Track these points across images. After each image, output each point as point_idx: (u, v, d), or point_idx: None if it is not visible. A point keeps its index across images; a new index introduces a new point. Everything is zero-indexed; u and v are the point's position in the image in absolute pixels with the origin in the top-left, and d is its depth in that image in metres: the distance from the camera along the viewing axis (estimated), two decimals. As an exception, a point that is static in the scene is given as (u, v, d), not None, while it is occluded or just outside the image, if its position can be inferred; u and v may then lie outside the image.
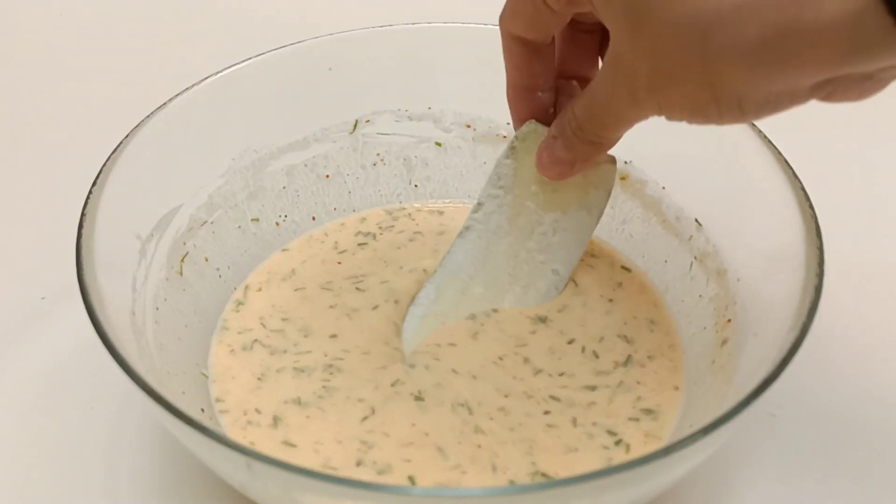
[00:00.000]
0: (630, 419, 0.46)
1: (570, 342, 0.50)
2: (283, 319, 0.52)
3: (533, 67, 0.46)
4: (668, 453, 0.35)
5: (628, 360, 0.49)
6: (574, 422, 0.46)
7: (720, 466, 0.48)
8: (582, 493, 0.35)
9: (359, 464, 0.44)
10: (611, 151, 0.55)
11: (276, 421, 0.46)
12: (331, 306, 0.52)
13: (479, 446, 0.44)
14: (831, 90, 0.35)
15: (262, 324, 0.52)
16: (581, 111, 0.43)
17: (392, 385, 0.47)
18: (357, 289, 0.53)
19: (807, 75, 0.34)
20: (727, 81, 0.35)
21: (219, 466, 0.40)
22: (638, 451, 0.45)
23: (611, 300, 0.52)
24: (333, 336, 0.50)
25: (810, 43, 0.33)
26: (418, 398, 0.46)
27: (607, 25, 0.39)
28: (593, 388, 0.48)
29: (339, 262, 0.55)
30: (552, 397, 0.47)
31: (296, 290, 0.53)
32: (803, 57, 0.33)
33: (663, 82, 0.37)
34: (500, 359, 0.49)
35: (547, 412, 0.46)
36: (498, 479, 0.43)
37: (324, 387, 0.48)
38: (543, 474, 0.43)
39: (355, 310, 0.52)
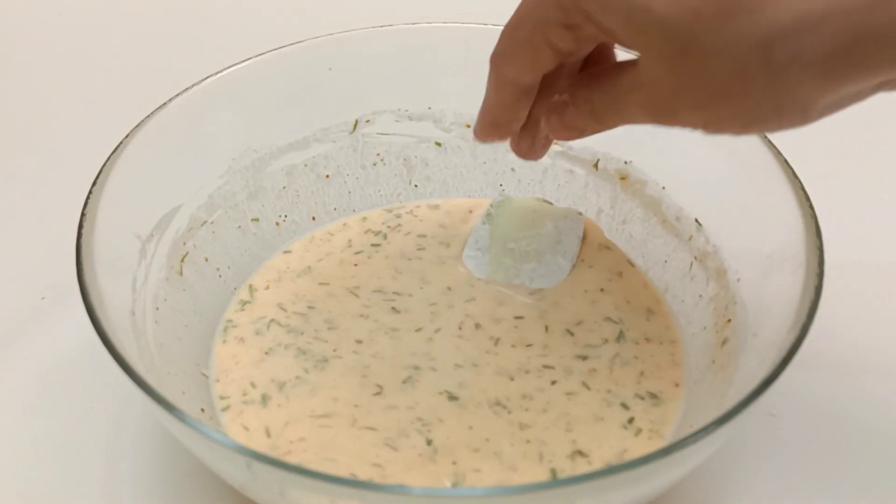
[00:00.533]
0: (637, 395, 0.47)
1: (518, 317, 0.51)
2: (310, 307, 0.52)
3: (520, 105, 0.44)
4: (668, 453, 0.35)
5: (620, 336, 0.50)
6: (586, 385, 0.47)
7: (720, 466, 0.48)
8: (583, 493, 0.35)
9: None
10: (613, 149, 0.55)
11: (264, 399, 0.47)
12: (361, 315, 0.52)
13: (528, 441, 0.45)
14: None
15: (281, 308, 0.52)
16: (601, 106, 0.41)
17: (404, 382, 0.48)
18: (393, 309, 0.52)
19: (879, 76, 0.33)
20: (794, 92, 0.34)
21: (219, 466, 0.40)
22: (642, 448, 0.45)
23: (602, 289, 0.53)
24: (359, 342, 0.50)
25: (883, 45, 0.32)
26: (453, 397, 0.47)
27: (638, 52, 0.37)
28: (584, 358, 0.49)
29: (356, 265, 0.55)
30: (545, 366, 0.48)
31: (319, 283, 0.54)
32: (875, 59, 0.32)
33: (714, 100, 0.35)
34: (460, 328, 0.50)
35: (554, 382, 0.48)
36: (543, 468, 0.44)
37: (297, 377, 0.48)
38: (580, 452, 0.44)
39: (395, 329, 0.51)
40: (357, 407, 0.47)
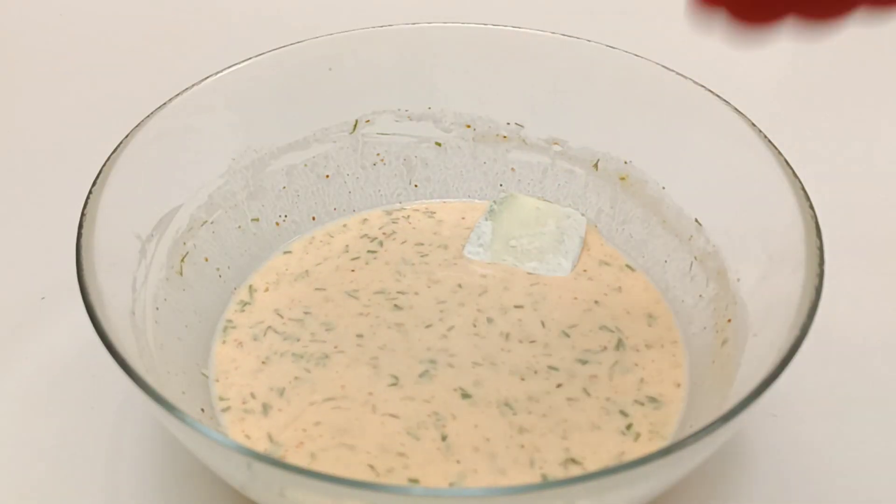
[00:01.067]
0: (636, 402, 0.47)
1: (517, 306, 0.52)
2: (306, 313, 0.52)
3: None
4: (668, 453, 0.35)
5: (619, 345, 0.50)
6: (587, 392, 0.47)
7: (720, 466, 0.48)
8: (582, 493, 0.35)
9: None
10: (613, 149, 0.55)
11: (265, 408, 0.47)
12: (361, 314, 0.52)
13: (523, 446, 0.45)
14: None
15: (278, 314, 0.52)
16: None
17: (421, 375, 0.48)
18: (396, 306, 0.52)
19: None
20: None
21: (219, 466, 0.40)
22: (641, 450, 0.45)
23: (596, 301, 0.53)
24: (360, 335, 0.51)
25: None
26: (466, 395, 0.47)
27: None
28: (584, 362, 0.49)
29: (353, 271, 0.55)
30: (550, 367, 0.48)
31: (316, 289, 0.54)
32: None
33: None
34: (474, 325, 0.51)
35: (560, 385, 0.48)
36: (534, 473, 0.44)
37: (297, 377, 0.48)
38: (573, 460, 0.44)
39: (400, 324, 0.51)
40: (372, 394, 0.47)
